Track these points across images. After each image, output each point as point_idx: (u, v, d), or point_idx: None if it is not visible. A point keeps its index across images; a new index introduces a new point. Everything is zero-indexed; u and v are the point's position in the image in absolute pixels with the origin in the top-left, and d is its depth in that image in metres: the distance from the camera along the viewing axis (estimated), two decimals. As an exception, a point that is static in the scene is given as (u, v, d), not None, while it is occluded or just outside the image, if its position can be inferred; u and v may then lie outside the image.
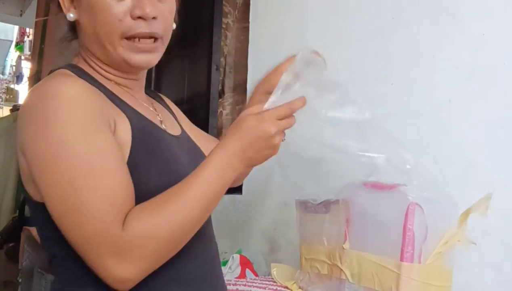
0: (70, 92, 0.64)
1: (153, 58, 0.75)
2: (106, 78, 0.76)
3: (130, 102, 0.76)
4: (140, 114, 0.75)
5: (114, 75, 0.77)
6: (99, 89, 0.71)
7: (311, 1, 1.50)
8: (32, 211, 0.73)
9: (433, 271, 0.77)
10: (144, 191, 0.67)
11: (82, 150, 0.62)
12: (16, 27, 7.97)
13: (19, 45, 8.23)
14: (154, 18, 0.71)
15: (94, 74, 0.75)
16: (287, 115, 0.69)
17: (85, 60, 0.77)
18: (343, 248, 0.84)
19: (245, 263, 1.39)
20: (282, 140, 0.70)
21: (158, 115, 0.82)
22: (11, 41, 8.54)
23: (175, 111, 0.97)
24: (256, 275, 1.37)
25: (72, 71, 0.72)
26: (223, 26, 2.06)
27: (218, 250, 0.88)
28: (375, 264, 0.79)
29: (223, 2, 2.07)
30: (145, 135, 0.73)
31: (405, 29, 1.21)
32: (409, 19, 1.20)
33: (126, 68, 0.76)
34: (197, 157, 0.82)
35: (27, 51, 7.52)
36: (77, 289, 0.70)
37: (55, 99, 0.63)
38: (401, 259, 0.75)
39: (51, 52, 3.85)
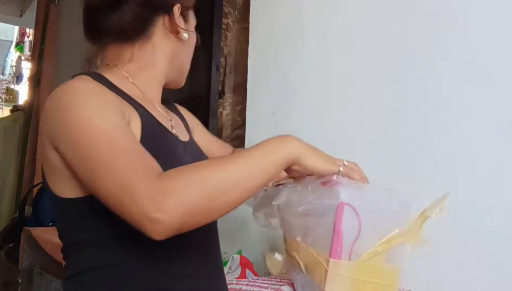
0: (85, 87, 0.73)
1: None
2: (136, 85, 0.85)
3: (146, 106, 0.83)
4: (153, 116, 0.82)
5: (156, 83, 0.90)
6: (115, 92, 0.78)
7: (311, 2, 1.50)
8: (53, 206, 0.79)
9: (368, 268, 0.80)
10: None
11: (98, 123, 0.67)
12: (16, 28, 7.98)
13: (19, 46, 8.23)
14: None
15: (117, 82, 0.81)
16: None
17: (124, 71, 0.85)
18: (297, 240, 0.87)
19: (245, 264, 1.39)
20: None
21: (171, 121, 0.90)
22: (11, 42, 8.55)
23: (188, 119, 1.04)
24: (256, 275, 1.37)
25: (91, 76, 0.79)
26: (223, 26, 2.06)
27: (220, 251, 0.91)
28: (315, 258, 0.83)
29: (223, 3, 2.07)
30: (153, 134, 0.78)
31: (405, 29, 1.21)
32: (409, 19, 1.20)
33: (173, 85, 0.96)
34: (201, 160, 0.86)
35: (27, 51, 7.52)
36: (88, 275, 0.74)
37: (72, 92, 0.71)
38: (329, 255, 0.79)
39: (51, 52, 3.85)
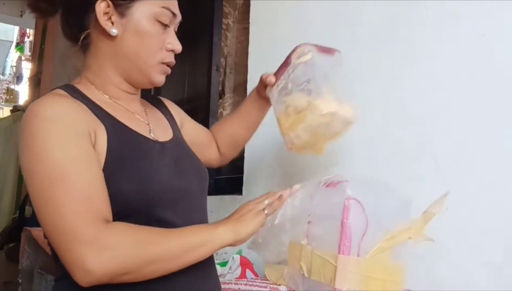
0: (49, 112, 0.73)
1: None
2: (104, 94, 0.85)
3: (118, 115, 0.83)
4: (123, 125, 0.82)
5: (120, 89, 0.86)
6: (87, 106, 0.79)
7: (311, 2, 1.50)
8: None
9: (376, 265, 0.81)
10: (118, 195, 0.74)
11: (58, 158, 0.70)
12: (17, 28, 7.99)
13: (20, 46, 8.25)
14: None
15: (88, 93, 0.83)
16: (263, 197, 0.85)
17: (87, 80, 0.85)
18: (302, 244, 0.88)
19: (245, 264, 1.39)
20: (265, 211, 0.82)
21: (148, 124, 0.89)
22: (12, 42, 8.57)
23: (176, 114, 1.04)
24: (256, 275, 1.37)
25: (65, 91, 0.81)
26: (224, 26, 2.06)
27: None
28: (320, 258, 0.83)
29: (223, 3, 2.08)
30: (122, 144, 0.79)
31: (405, 29, 1.21)
32: (409, 19, 1.20)
33: (142, 85, 0.88)
34: (182, 163, 0.88)
35: (27, 51, 7.54)
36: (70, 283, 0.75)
37: (37, 119, 0.72)
38: (338, 252, 0.79)
39: (51, 52, 3.86)
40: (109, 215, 0.72)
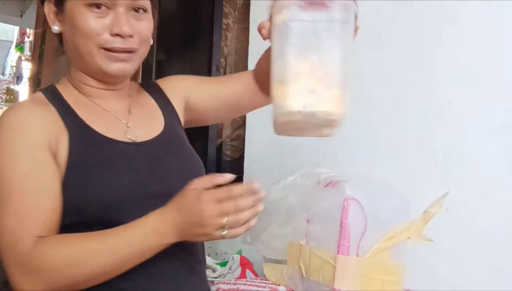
0: (11, 122, 0.73)
1: (128, 67, 0.80)
2: (81, 92, 0.83)
3: (89, 117, 0.80)
4: (90, 130, 0.79)
5: (92, 87, 0.83)
6: (57, 110, 0.78)
7: (311, 2, 1.50)
8: None
9: (375, 265, 0.81)
10: (78, 205, 0.73)
11: (5, 173, 0.71)
12: (17, 28, 7.98)
13: (20, 46, 8.24)
14: (130, 36, 0.77)
15: (65, 93, 0.82)
16: (225, 198, 0.65)
17: (67, 80, 0.84)
18: (301, 244, 0.87)
19: (245, 264, 1.39)
20: (223, 231, 0.65)
21: (126, 123, 0.84)
22: (12, 42, 8.56)
23: (174, 97, 0.95)
24: (256, 275, 1.37)
25: (44, 94, 0.81)
26: (224, 26, 2.06)
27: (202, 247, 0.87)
28: (319, 258, 0.83)
29: (223, 3, 2.07)
30: (83, 152, 0.76)
31: (405, 30, 1.21)
32: (409, 19, 1.20)
33: (103, 78, 0.82)
34: (163, 163, 0.82)
35: (27, 51, 7.53)
36: None
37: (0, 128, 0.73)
38: (337, 252, 0.79)
39: (51, 52, 3.86)
40: (49, 231, 0.71)
